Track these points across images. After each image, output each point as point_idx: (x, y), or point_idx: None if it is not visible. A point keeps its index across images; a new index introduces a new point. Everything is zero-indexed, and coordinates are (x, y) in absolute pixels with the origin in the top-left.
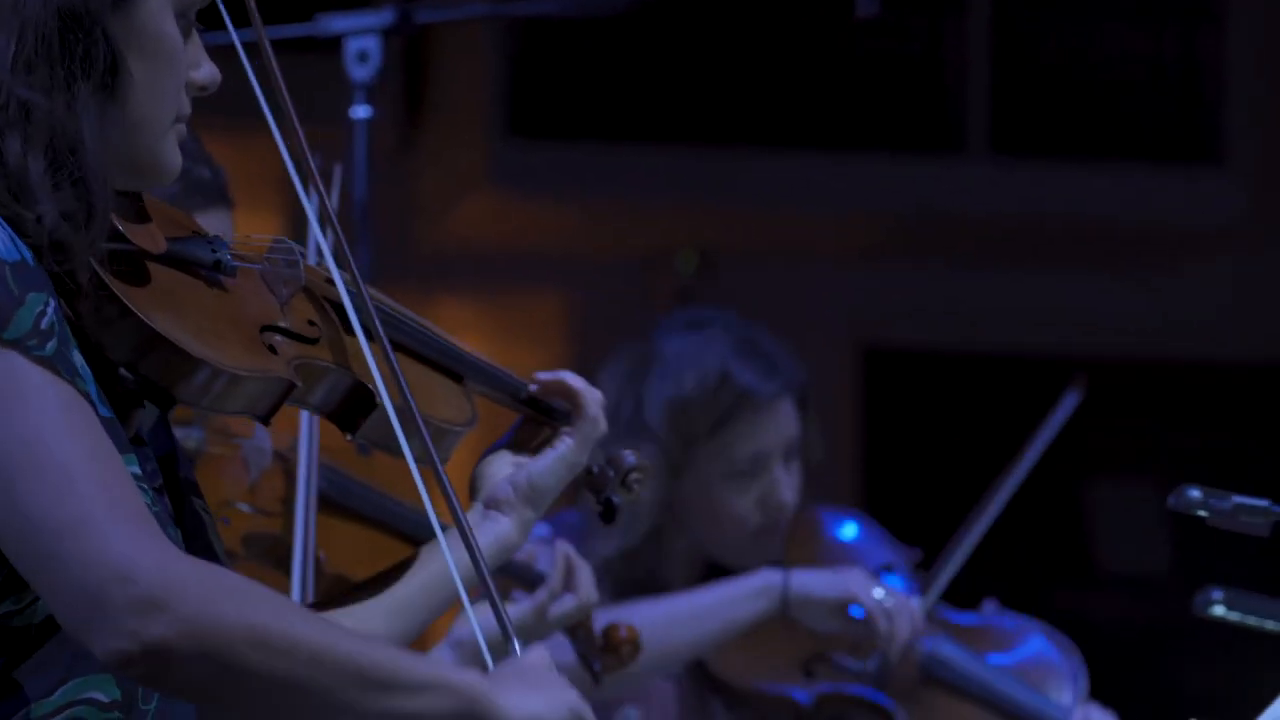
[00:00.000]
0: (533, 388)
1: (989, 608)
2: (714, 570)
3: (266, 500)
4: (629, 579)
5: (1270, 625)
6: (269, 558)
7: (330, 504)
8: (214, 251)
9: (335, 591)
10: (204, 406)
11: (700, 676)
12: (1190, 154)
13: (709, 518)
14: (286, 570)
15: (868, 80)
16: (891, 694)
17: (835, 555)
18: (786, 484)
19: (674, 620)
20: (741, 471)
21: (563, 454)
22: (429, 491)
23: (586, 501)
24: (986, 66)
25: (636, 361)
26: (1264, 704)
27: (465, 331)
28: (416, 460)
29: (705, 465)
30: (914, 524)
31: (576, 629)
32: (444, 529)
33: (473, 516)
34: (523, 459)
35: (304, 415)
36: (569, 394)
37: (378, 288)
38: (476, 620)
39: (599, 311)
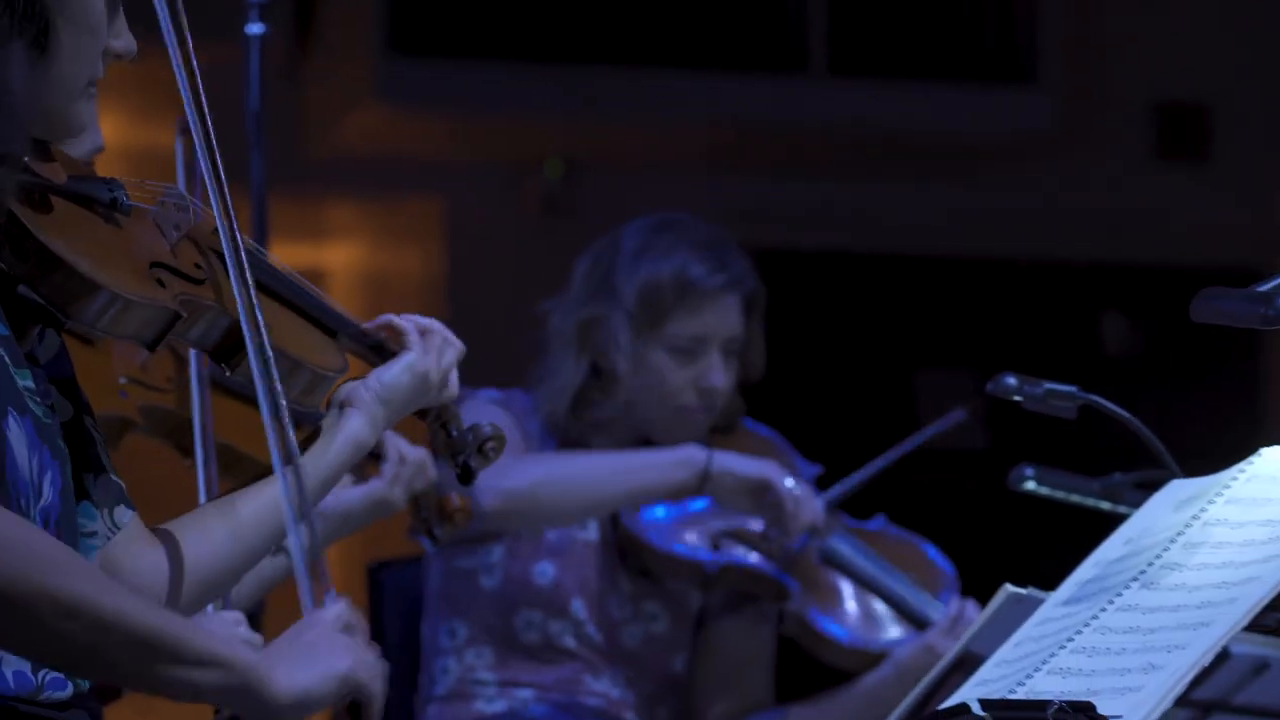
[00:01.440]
0: (368, 327)
1: (880, 520)
2: (641, 444)
3: (158, 378)
4: (565, 440)
5: (1076, 498)
6: (164, 428)
7: (215, 384)
8: (111, 191)
9: (221, 461)
10: (96, 329)
11: (617, 537)
12: (1006, 73)
13: (646, 385)
14: (177, 441)
15: (719, 4)
16: (792, 571)
17: (754, 448)
18: (719, 372)
19: (602, 472)
20: (682, 349)
21: (407, 361)
22: (276, 429)
23: (446, 465)
24: None
25: (603, 247)
26: (1068, 569)
27: (352, 232)
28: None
29: (653, 339)
30: (774, 406)
31: (419, 500)
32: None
33: (328, 420)
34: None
35: None
36: (395, 329)
37: (271, 192)
38: (298, 540)
39: (472, 214)
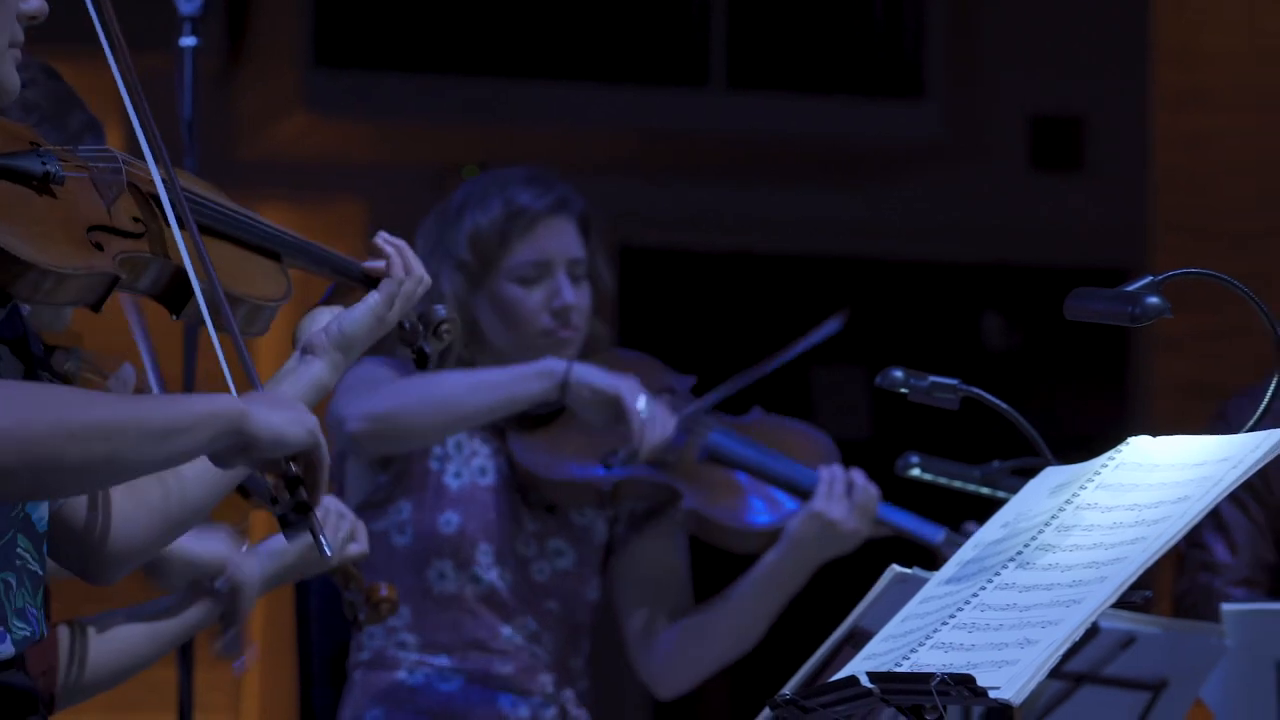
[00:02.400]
0: (367, 264)
1: (756, 412)
2: None
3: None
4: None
5: (957, 484)
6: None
7: None
8: (44, 164)
9: None
10: (38, 300)
11: (515, 477)
12: (894, 87)
13: (505, 321)
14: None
15: (626, 21)
16: (679, 474)
17: (622, 368)
18: (569, 290)
19: (470, 387)
20: (526, 277)
21: (372, 306)
22: (229, 362)
23: (401, 352)
24: (724, 13)
25: (440, 213)
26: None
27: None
28: (228, 332)
29: (498, 277)
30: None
31: (348, 580)
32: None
33: (290, 362)
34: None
35: (147, 363)
36: (379, 254)
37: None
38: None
39: (394, 215)
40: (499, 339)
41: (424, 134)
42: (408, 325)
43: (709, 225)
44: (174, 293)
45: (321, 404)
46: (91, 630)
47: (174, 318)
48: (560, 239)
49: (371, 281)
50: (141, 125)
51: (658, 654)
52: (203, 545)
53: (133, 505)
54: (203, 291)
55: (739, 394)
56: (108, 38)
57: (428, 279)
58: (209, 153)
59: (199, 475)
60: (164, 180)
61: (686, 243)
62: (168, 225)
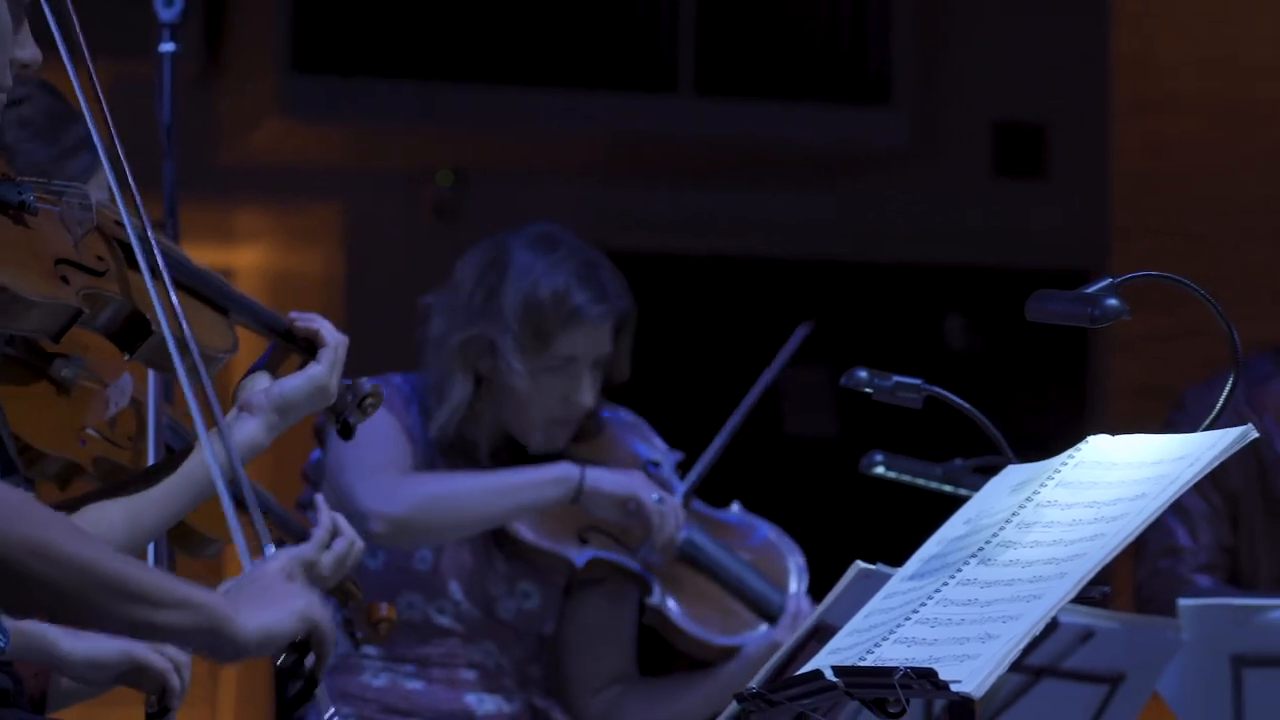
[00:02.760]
0: (289, 320)
1: (735, 508)
2: (510, 442)
3: (120, 435)
4: (444, 441)
5: (921, 482)
6: (109, 481)
7: (170, 449)
8: (20, 194)
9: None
10: (1, 325)
11: (490, 531)
12: (862, 94)
13: (521, 398)
14: None
15: (598, 28)
16: (652, 568)
17: (614, 449)
18: (589, 390)
19: (488, 493)
20: (555, 368)
21: (311, 374)
22: (198, 399)
23: (328, 419)
24: (693, 20)
25: (490, 261)
26: (913, 547)
27: (258, 235)
28: (178, 377)
29: (532, 356)
30: (642, 400)
31: (347, 598)
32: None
33: (228, 418)
34: (276, 376)
35: (151, 376)
36: (311, 331)
37: (183, 201)
38: (234, 516)
39: (369, 219)
40: (507, 404)
41: (398, 139)
42: (335, 395)
43: (678, 228)
44: (128, 333)
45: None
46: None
47: (126, 358)
48: (598, 340)
49: (307, 348)
50: (117, 180)
51: (600, 709)
52: (103, 643)
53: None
54: (173, 335)
55: (720, 469)
56: (86, 95)
57: (345, 340)
58: (188, 157)
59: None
60: (137, 230)
61: (657, 245)
62: (131, 268)
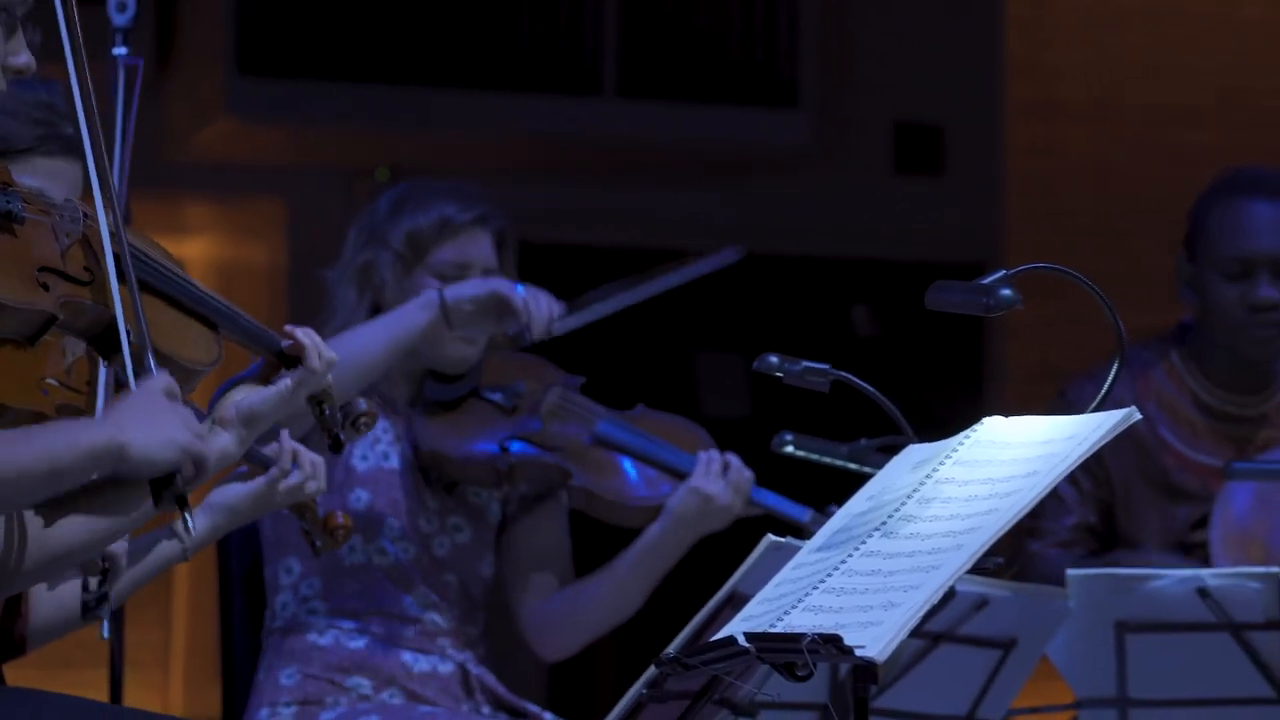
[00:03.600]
0: (285, 344)
1: (640, 408)
2: (422, 369)
3: (78, 381)
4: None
5: (828, 460)
6: None
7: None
8: (8, 203)
9: None
10: None
11: (418, 459)
12: (772, 98)
13: None
14: None
15: (525, 34)
16: (569, 456)
17: (525, 367)
18: None
19: (369, 339)
20: (446, 275)
21: (280, 391)
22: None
23: (323, 436)
24: (615, 27)
25: (368, 212)
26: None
27: (206, 228)
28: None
29: (424, 271)
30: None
31: (304, 511)
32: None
33: (204, 429)
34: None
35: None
36: (299, 349)
37: (134, 195)
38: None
39: (311, 214)
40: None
41: (338, 138)
42: (328, 413)
43: (602, 223)
44: (107, 340)
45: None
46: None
47: (104, 365)
48: (479, 249)
49: (291, 362)
50: (101, 185)
51: (544, 618)
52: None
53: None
54: (130, 338)
55: (624, 381)
56: (83, 101)
57: (334, 357)
58: (139, 156)
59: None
60: (110, 232)
61: (581, 239)
62: (121, 281)
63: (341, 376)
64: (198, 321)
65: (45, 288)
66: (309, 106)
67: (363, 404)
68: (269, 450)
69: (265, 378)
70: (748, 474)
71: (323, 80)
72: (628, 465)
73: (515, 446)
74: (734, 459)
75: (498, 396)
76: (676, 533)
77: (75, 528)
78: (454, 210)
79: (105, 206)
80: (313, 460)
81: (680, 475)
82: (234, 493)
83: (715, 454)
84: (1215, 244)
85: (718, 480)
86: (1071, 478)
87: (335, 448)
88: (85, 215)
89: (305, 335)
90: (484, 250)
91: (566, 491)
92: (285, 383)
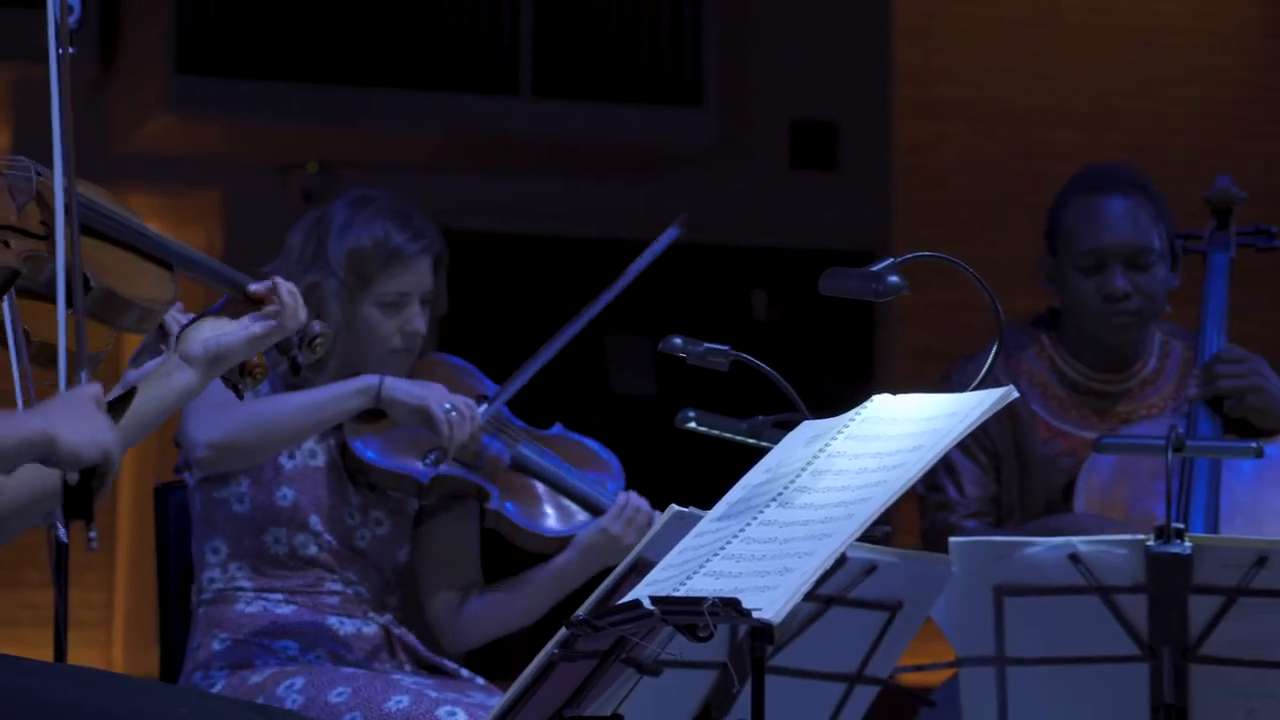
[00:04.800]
0: (253, 286)
1: (558, 427)
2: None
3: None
4: (291, 384)
5: (728, 435)
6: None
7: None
8: None
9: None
10: None
11: (345, 461)
12: (677, 97)
13: (362, 338)
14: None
15: (446, 36)
16: (488, 476)
17: (450, 380)
18: (421, 320)
19: (299, 410)
20: (390, 303)
21: (250, 334)
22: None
23: (278, 359)
24: (531, 29)
25: (315, 222)
26: (722, 492)
27: (146, 217)
28: (78, 313)
29: (365, 300)
30: (477, 362)
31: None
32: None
33: (168, 364)
34: (222, 326)
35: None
36: (271, 294)
37: (81, 188)
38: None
39: (245, 204)
40: (351, 347)
41: (271, 133)
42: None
43: (516, 214)
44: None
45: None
46: None
47: (69, 311)
48: (420, 276)
49: (257, 302)
50: (64, 132)
51: (452, 618)
52: None
53: None
54: (65, 268)
55: (551, 402)
56: (59, 61)
57: (304, 317)
58: (83, 150)
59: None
60: (66, 197)
61: (496, 229)
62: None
63: (265, 441)
64: (152, 263)
65: (6, 244)
66: (244, 103)
67: (317, 325)
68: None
69: (231, 314)
70: (650, 514)
71: (257, 79)
72: (544, 493)
73: (438, 463)
74: (643, 503)
75: (424, 457)
76: (582, 564)
77: None
78: (401, 240)
79: (60, 157)
80: (290, 289)
81: (592, 508)
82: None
83: (632, 498)
84: (1071, 240)
85: (627, 525)
86: (971, 453)
87: (294, 370)
88: (38, 173)
89: (285, 291)
90: (424, 278)
91: (481, 512)
92: (256, 329)
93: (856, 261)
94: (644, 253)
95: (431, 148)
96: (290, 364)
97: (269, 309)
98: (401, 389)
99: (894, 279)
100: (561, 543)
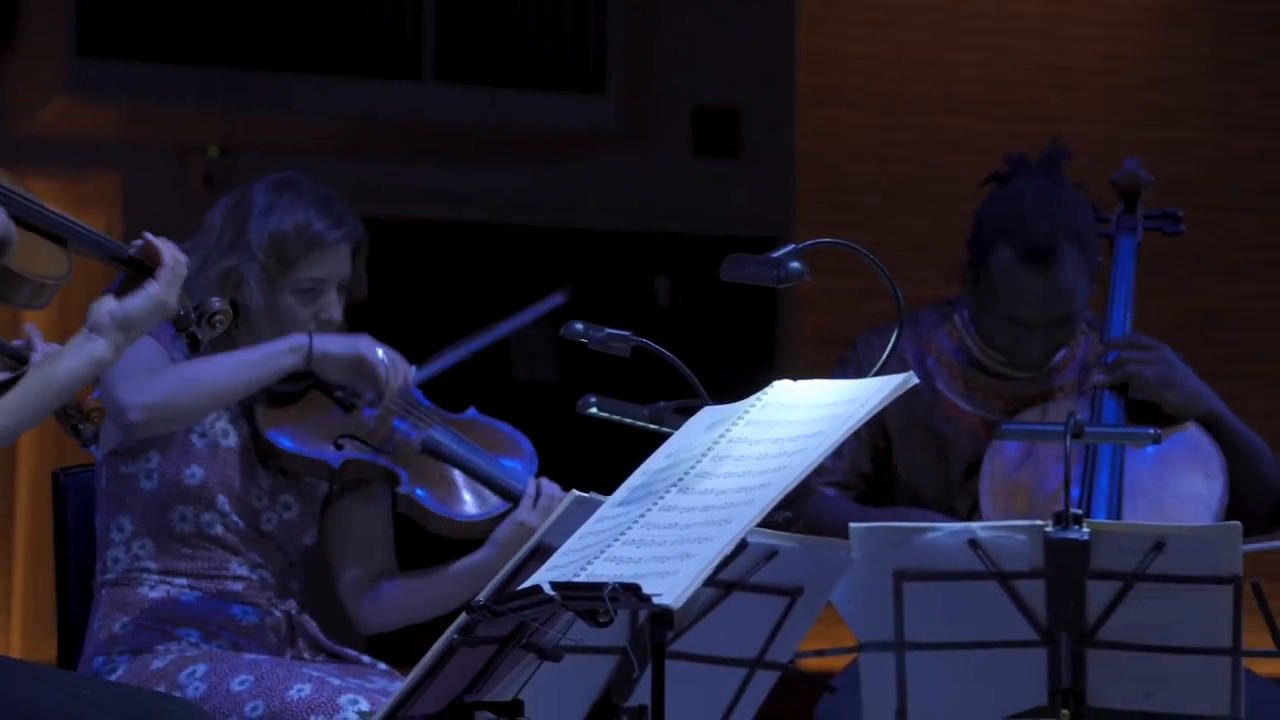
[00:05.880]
0: (132, 250)
1: (471, 411)
2: None
3: None
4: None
5: (629, 421)
6: None
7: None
8: None
9: None
10: None
11: (256, 445)
12: (580, 83)
13: (278, 320)
14: None
15: (349, 21)
16: (400, 461)
17: None
18: (337, 308)
19: (230, 369)
20: (306, 289)
21: (152, 293)
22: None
23: (179, 335)
24: (434, 15)
25: (235, 204)
26: (623, 478)
27: (46, 200)
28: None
29: (285, 283)
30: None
31: (183, 313)
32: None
33: (78, 337)
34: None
35: None
36: (153, 251)
37: None
38: None
39: (145, 187)
40: (268, 333)
41: (171, 117)
42: (183, 312)
43: (421, 199)
44: None
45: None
46: None
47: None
48: (339, 263)
49: (147, 269)
50: None
51: (366, 601)
52: None
53: None
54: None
55: (455, 389)
56: None
57: (185, 258)
58: None
59: None
60: None
61: (401, 214)
62: None
63: (200, 401)
64: (46, 239)
65: None
66: (144, 87)
67: (216, 303)
68: (17, 344)
69: (128, 289)
70: (559, 500)
71: (157, 62)
72: (457, 478)
73: (348, 447)
74: (556, 489)
75: (339, 392)
76: (501, 558)
77: None
78: (323, 227)
79: None
80: (162, 241)
81: (504, 493)
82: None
83: (545, 485)
84: (996, 294)
85: (543, 514)
86: None
87: (193, 346)
88: None
89: (156, 239)
90: (343, 265)
91: (393, 496)
92: (155, 286)
93: (759, 248)
94: (528, 310)
95: (333, 132)
96: (190, 340)
97: (159, 270)
98: (332, 342)
99: (795, 265)
100: (473, 527)
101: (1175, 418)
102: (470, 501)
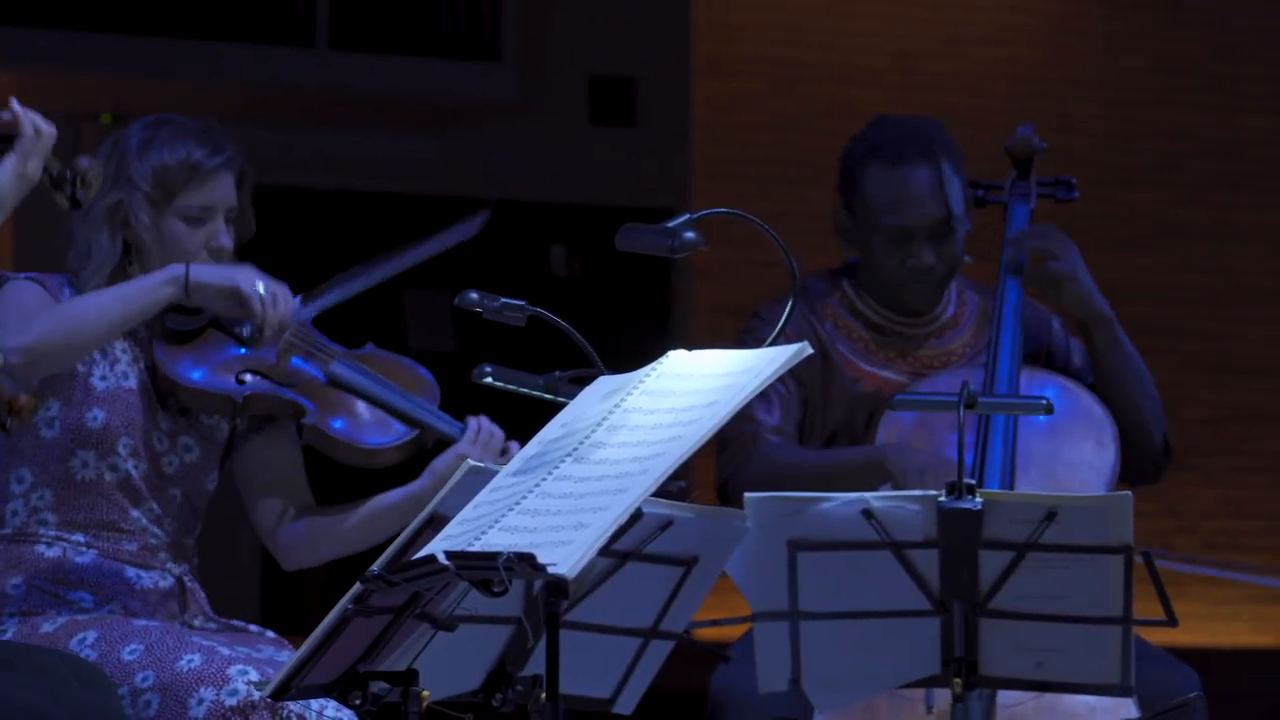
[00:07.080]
0: None
1: (370, 346)
2: (164, 310)
3: None
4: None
5: (524, 390)
6: None
7: None
8: None
9: None
10: None
11: (156, 383)
12: (476, 51)
13: (168, 250)
14: None
15: None
16: (304, 393)
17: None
18: (225, 235)
19: (107, 305)
20: (194, 217)
21: (12, 165)
22: None
23: (59, 200)
24: None
25: (114, 144)
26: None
27: None
28: None
29: (170, 212)
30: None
31: (55, 174)
32: None
33: None
34: None
35: None
36: (12, 123)
37: None
38: None
39: None
40: (158, 261)
41: (64, 84)
42: (55, 173)
43: (314, 167)
44: None
45: None
46: None
47: None
48: (224, 191)
49: (5, 142)
50: None
51: (290, 537)
52: None
53: None
54: None
55: (336, 316)
56: None
57: (53, 130)
58: None
59: None
60: None
61: (296, 182)
62: None
63: (78, 338)
64: None
65: None
66: (35, 53)
67: (85, 161)
68: None
69: None
70: (499, 435)
71: (48, 28)
72: (361, 409)
73: (250, 380)
74: (494, 428)
75: (237, 329)
76: (435, 487)
77: None
78: (202, 155)
79: None
80: (14, 102)
81: (408, 420)
82: None
83: (481, 423)
84: (873, 211)
85: (484, 450)
86: (779, 380)
87: (75, 204)
88: None
89: (19, 108)
90: (227, 192)
91: (299, 428)
92: (12, 158)
93: (656, 218)
94: (445, 234)
95: (227, 100)
96: (71, 201)
97: (17, 141)
98: (209, 272)
99: (690, 235)
100: (382, 454)
101: (1065, 313)
102: (376, 428)
